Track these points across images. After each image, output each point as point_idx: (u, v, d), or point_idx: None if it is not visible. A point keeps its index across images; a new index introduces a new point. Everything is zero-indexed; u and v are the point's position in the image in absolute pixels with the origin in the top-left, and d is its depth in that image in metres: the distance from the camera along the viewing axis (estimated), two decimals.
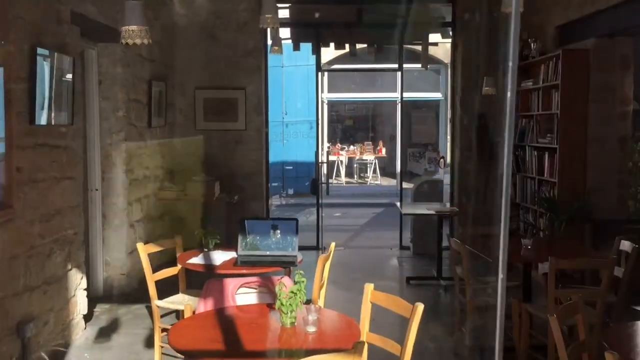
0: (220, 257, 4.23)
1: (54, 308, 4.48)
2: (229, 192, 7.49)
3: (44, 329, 4.31)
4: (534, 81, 6.84)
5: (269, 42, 7.92)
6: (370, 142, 18.65)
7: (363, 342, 2.49)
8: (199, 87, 7.80)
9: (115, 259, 6.09)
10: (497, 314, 1.46)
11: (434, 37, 9.75)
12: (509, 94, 1.29)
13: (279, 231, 4.20)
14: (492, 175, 7.90)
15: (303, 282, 2.84)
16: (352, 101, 19.99)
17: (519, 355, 4.11)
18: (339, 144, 18.36)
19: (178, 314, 4.57)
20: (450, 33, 8.44)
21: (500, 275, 1.44)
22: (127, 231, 6.11)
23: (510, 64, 1.21)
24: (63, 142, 4.59)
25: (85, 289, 5.08)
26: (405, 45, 8.48)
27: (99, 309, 5.69)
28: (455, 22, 8.13)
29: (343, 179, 17.24)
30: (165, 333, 4.28)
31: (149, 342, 4.72)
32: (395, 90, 15.53)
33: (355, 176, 18.07)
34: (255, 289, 3.30)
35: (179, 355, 2.73)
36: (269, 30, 8.14)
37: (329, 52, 13.65)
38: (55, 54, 4.33)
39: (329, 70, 14.81)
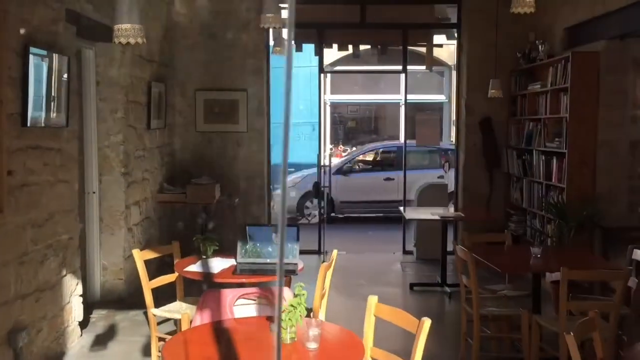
0: (218, 264, 4.08)
1: (47, 315, 4.33)
2: (230, 195, 7.35)
3: (37, 338, 4.16)
4: (542, 84, 6.69)
5: (271, 42, 7.80)
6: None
7: None
8: (199, 88, 7.66)
9: (112, 264, 5.95)
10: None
11: (438, 39, 9.59)
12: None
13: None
14: (498, 179, 7.76)
15: (303, 295, 2.69)
16: (355, 103, 19.84)
17: None
18: (341, 146, 18.20)
19: (176, 321, 4.42)
20: (456, 34, 8.29)
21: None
22: (125, 235, 5.97)
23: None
24: (57, 144, 4.45)
25: (80, 295, 4.94)
26: (409, 47, 8.32)
27: (95, 315, 5.55)
28: (460, 23, 7.98)
29: None
30: (162, 342, 4.14)
31: (146, 351, 4.58)
32: (397, 92, 15.40)
33: None
34: (254, 300, 3.16)
35: None
36: (271, 30, 8.01)
37: (331, 54, 13.49)
38: (50, 53, 4.19)
39: (332, 72, 14.67)
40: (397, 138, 17.47)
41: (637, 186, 5.92)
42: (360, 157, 12.76)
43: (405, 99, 8.84)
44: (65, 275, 4.62)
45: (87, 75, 5.74)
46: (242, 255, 4.04)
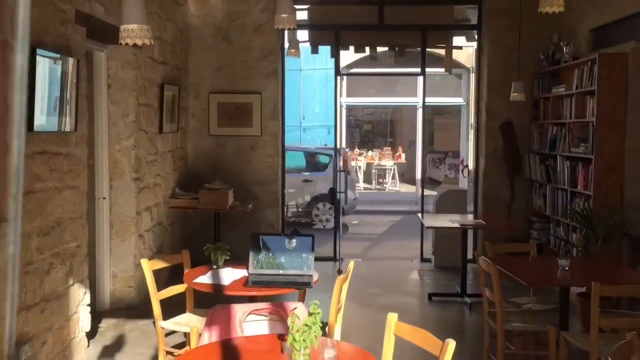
0: (229, 275, 3.91)
1: (53, 327, 4.19)
2: (243, 201, 7.18)
3: (41, 350, 4.02)
4: (567, 87, 6.44)
5: (287, 44, 7.64)
6: (389, 148, 18.28)
7: None
8: (213, 91, 7.52)
9: (122, 271, 5.81)
10: None
11: (458, 41, 9.37)
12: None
13: (293, 248, 3.87)
14: (519, 185, 7.51)
15: (319, 313, 2.50)
16: (371, 106, 19.66)
17: None
18: (357, 149, 18.02)
19: (186, 333, 4.26)
20: (476, 36, 8.07)
21: None
22: (136, 241, 5.83)
23: None
24: (65, 149, 4.31)
25: (88, 305, 4.79)
26: (427, 49, 8.11)
27: (104, 324, 5.41)
28: (481, 25, 7.76)
29: (361, 185, 16.88)
30: (170, 356, 3.98)
31: None
32: (414, 95, 15.18)
33: (374, 182, 17.72)
34: (266, 316, 2.98)
35: None
36: (286, 32, 7.86)
37: (348, 56, 13.32)
38: (58, 56, 4.05)
39: (349, 74, 14.49)
40: (414, 142, 17.26)
41: None
42: None
43: (424, 102, 8.62)
44: (72, 285, 4.48)
45: (98, 78, 5.62)
46: (254, 266, 3.87)
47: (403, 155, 17.65)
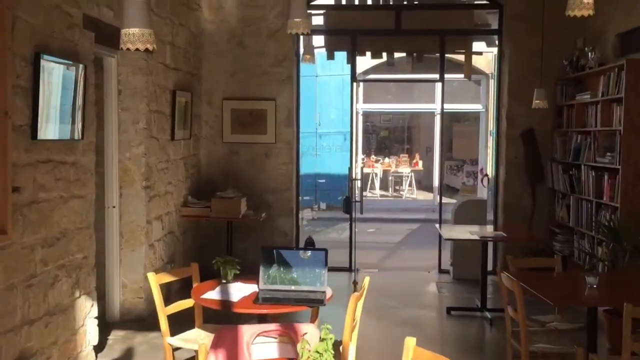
0: (239, 291, 3.74)
1: (58, 341, 4.05)
2: (257, 209, 7.02)
3: None
4: (592, 94, 6.20)
5: (302, 50, 7.49)
6: (406, 155, 18.04)
7: None
8: (226, 97, 7.38)
9: (132, 282, 5.67)
10: None
11: (477, 46, 9.15)
12: None
13: (306, 262, 3.69)
14: (541, 195, 7.27)
15: (331, 339, 2.33)
16: (388, 112, 19.44)
17: None
18: (373, 156, 17.81)
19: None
20: (496, 41, 7.85)
21: None
22: (146, 251, 5.69)
23: None
24: (71, 157, 4.18)
25: (96, 317, 4.66)
26: (446, 55, 7.91)
27: (113, 336, 5.27)
28: (502, 29, 7.54)
29: (377, 192, 16.67)
30: None
31: None
32: (432, 101, 14.95)
33: (390, 189, 17.48)
34: (275, 338, 2.80)
35: None
36: (301, 38, 7.71)
37: (364, 62, 13.15)
38: (64, 61, 3.93)
39: (365, 81, 14.31)
40: (431, 148, 17.01)
41: None
42: None
43: (442, 108, 8.41)
44: (79, 297, 4.34)
45: (108, 84, 5.50)
46: (264, 282, 3.69)
47: (420, 162, 17.40)
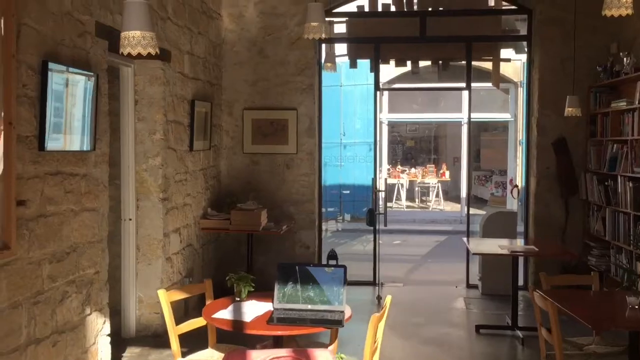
0: (253, 309, 3.55)
1: None
2: (278, 221, 6.84)
3: None
4: (628, 101, 5.90)
5: (324, 59, 7.32)
6: (433, 165, 17.72)
7: None
8: (247, 107, 7.23)
9: (149, 296, 5.52)
10: None
11: (505, 53, 8.87)
12: None
13: (323, 280, 3.48)
14: (574, 207, 6.95)
15: None
16: (414, 122, 19.16)
17: None
18: (399, 166, 17.53)
19: None
20: (526, 48, 7.57)
21: None
22: (163, 265, 5.53)
23: None
24: (82, 169, 4.05)
25: (108, 335, 4.50)
26: (473, 62, 7.64)
27: (128, 353, 5.12)
28: (531, 35, 7.26)
29: (403, 203, 16.37)
30: None
31: None
32: (459, 111, 14.65)
33: (417, 200, 17.18)
34: None
35: None
36: (323, 46, 7.55)
37: (389, 71, 12.95)
38: (74, 70, 3.80)
39: (389, 89, 14.09)
40: (459, 159, 16.68)
41: None
42: None
43: (469, 118, 8.14)
44: (90, 314, 4.19)
45: (125, 94, 5.39)
46: (279, 300, 3.49)
47: (447, 173, 17.07)
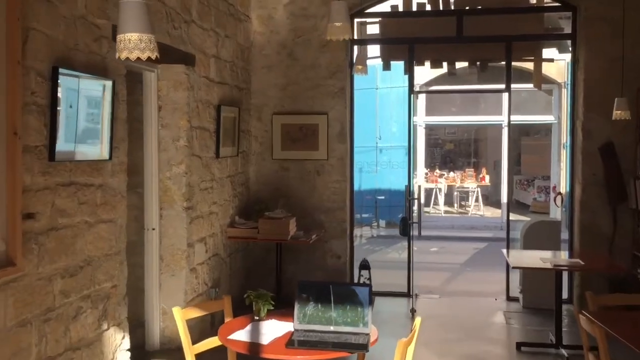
0: (272, 330, 3.31)
1: None
2: (308, 230, 6.61)
3: None
4: None
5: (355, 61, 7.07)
6: (472, 169, 17.24)
7: None
8: (276, 112, 7.03)
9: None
10: None
11: (548, 53, 8.43)
12: None
13: (347, 300, 3.22)
14: (623, 216, 6.51)
15: None
16: (453, 125, 18.71)
17: None
18: (437, 171, 17.11)
19: None
20: (570, 47, 7.15)
21: None
22: (187, 276, 5.36)
23: None
24: (98, 179, 3.89)
25: (128, 350, 4.33)
26: (513, 63, 7.26)
27: None
28: (576, 34, 6.85)
29: (441, 208, 15.96)
30: None
31: None
32: (499, 113, 14.18)
33: (455, 205, 16.73)
34: None
35: None
36: (355, 48, 7.29)
37: (426, 73, 12.59)
38: (89, 75, 3.65)
39: (424, 92, 13.71)
40: (499, 162, 16.18)
41: None
42: None
43: (509, 120, 7.76)
44: (107, 329, 4.02)
45: (148, 100, 5.24)
46: (300, 321, 3.25)
47: (487, 177, 16.57)
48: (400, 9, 7.33)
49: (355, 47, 7.32)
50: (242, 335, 3.26)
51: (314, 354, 3.02)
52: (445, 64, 7.95)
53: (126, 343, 4.31)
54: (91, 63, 3.76)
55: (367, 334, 3.18)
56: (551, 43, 8.19)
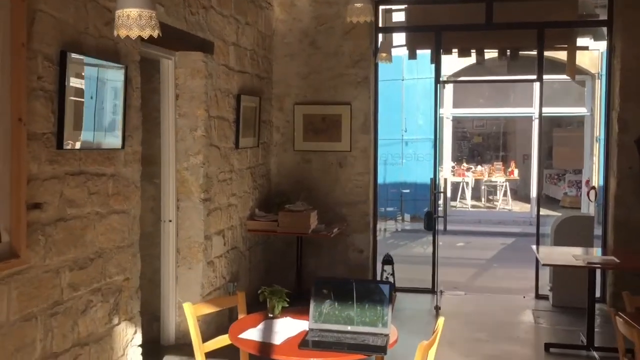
0: (286, 328, 3.15)
1: None
2: (329, 223, 6.43)
3: None
4: None
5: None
6: (501, 162, 16.86)
7: None
8: (298, 102, 6.85)
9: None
10: None
11: (582, 41, 8.08)
12: None
13: (366, 298, 3.04)
14: None
15: None
16: (481, 117, 18.31)
17: None
18: (464, 164, 16.77)
19: None
20: (606, 34, 6.82)
21: None
22: (204, 269, 5.23)
23: None
24: (110, 169, 3.76)
25: (140, 345, 4.21)
26: (545, 52, 6.95)
27: None
28: (612, 21, 6.52)
29: (469, 202, 15.63)
30: None
31: None
32: (529, 105, 13.79)
33: (483, 200, 16.38)
34: None
35: None
36: (380, 36, 7.06)
37: (454, 63, 12.28)
38: (99, 61, 3.51)
39: (451, 82, 13.37)
40: (529, 156, 15.77)
41: None
42: None
43: (541, 112, 7.45)
44: (118, 324, 3.91)
45: (165, 88, 5.11)
46: (315, 320, 3.07)
47: (516, 171, 16.18)
48: None
49: (380, 35, 7.08)
50: (253, 334, 3.10)
51: (328, 356, 2.85)
52: (473, 53, 7.67)
53: (138, 338, 4.19)
54: (102, 48, 3.62)
55: (387, 335, 2.99)
56: (585, 31, 7.85)
